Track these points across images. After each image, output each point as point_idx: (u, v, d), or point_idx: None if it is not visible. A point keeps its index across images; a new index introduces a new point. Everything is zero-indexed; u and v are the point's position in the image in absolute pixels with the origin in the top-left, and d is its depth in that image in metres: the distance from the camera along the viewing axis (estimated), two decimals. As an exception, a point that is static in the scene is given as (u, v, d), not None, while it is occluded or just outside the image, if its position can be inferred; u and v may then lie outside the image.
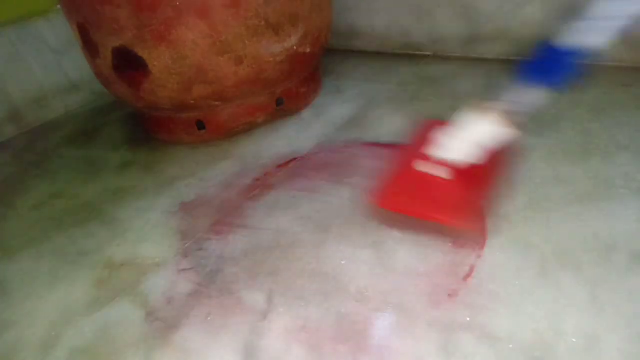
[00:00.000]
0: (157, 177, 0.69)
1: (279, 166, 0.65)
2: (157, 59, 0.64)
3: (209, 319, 0.43)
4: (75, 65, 0.99)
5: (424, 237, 0.48)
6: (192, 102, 0.70)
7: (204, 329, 0.42)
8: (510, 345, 0.36)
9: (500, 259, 0.44)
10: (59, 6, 0.91)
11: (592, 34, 0.43)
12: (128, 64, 0.67)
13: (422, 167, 0.49)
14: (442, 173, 0.48)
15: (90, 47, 0.69)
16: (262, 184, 0.62)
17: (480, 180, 0.50)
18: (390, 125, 0.71)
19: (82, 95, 1.03)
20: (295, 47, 0.71)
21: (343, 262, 0.47)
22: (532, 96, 0.46)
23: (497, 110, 0.46)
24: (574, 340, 0.36)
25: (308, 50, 0.75)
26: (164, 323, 0.44)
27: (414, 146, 0.53)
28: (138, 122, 0.88)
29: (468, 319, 0.39)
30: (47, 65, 0.96)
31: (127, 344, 0.42)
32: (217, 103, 0.72)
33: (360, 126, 0.72)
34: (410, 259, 0.46)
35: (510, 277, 0.42)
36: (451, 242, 0.47)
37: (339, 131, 0.72)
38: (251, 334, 0.41)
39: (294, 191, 0.59)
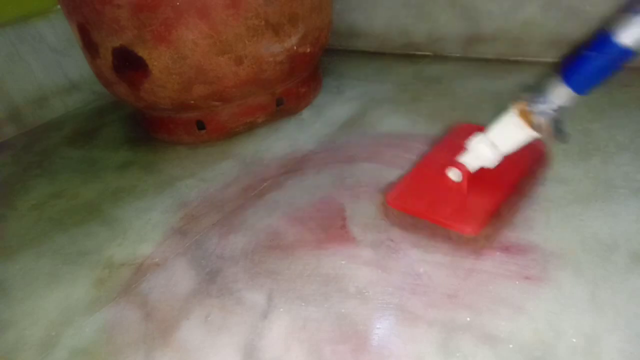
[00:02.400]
0: (157, 177, 0.69)
1: (283, 173, 0.65)
2: (157, 59, 0.64)
3: (209, 319, 0.43)
4: (75, 65, 1.00)
5: (427, 238, 0.48)
6: (192, 102, 0.70)
7: (204, 329, 0.42)
8: (510, 345, 0.36)
9: (500, 258, 0.44)
10: (58, 6, 0.91)
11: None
12: (128, 64, 0.67)
13: (438, 170, 0.48)
14: (457, 177, 0.48)
15: (90, 47, 0.69)
16: (262, 184, 0.62)
17: (498, 186, 0.48)
18: (390, 125, 0.71)
19: (82, 95, 1.04)
20: (295, 47, 0.71)
21: (343, 262, 0.47)
22: (565, 98, 0.42)
23: (530, 113, 0.42)
24: (574, 340, 0.36)
25: (308, 50, 0.75)
26: (164, 323, 0.44)
27: (438, 149, 0.54)
28: (138, 122, 0.88)
29: (468, 319, 0.39)
30: (47, 65, 0.96)
31: (127, 344, 0.42)
32: (217, 103, 0.72)
33: (360, 126, 0.72)
34: (410, 259, 0.46)
35: (511, 277, 0.42)
36: (451, 243, 0.47)
37: (339, 131, 0.72)
38: (251, 334, 0.41)
39: (294, 191, 0.59)
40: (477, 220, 0.46)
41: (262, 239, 0.52)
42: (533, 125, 0.42)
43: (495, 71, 0.83)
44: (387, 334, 0.39)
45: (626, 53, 0.39)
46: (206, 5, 0.61)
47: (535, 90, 0.43)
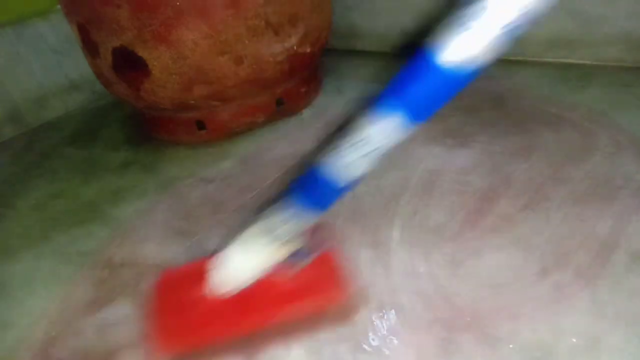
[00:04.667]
0: (157, 177, 0.69)
1: (283, 173, 0.65)
2: (157, 59, 0.64)
3: (209, 319, 0.43)
4: (75, 65, 0.99)
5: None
6: (192, 102, 0.70)
7: (204, 329, 0.42)
8: (510, 346, 0.36)
9: (500, 258, 0.44)
10: (58, 6, 0.91)
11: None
12: (128, 64, 0.67)
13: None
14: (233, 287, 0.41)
15: (90, 47, 0.69)
16: (262, 184, 0.62)
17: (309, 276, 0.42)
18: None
19: (82, 95, 1.03)
20: (295, 47, 0.71)
21: (343, 262, 0.47)
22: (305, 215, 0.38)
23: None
24: (574, 340, 0.36)
25: (308, 50, 0.75)
26: (164, 323, 0.44)
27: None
28: (138, 122, 0.88)
29: (468, 319, 0.39)
30: (47, 65, 0.96)
31: (127, 344, 0.42)
32: (217, 103, 0.72)
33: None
34: (410, 259, 0.46)
35: (510, 277, 0.42)
36: (452, 243, 0.47)
37: (339, 131, 0.72)
38: (252, 336, 0.41)
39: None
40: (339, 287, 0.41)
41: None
42: (280, 244, 0.39)
43: (495, 71, 0.83)
44: (387, 334, 0.39)
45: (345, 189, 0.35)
46: (206, 5, 0.61)
47: (272, 211, 0.40)
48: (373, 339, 0.38)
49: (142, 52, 0.64)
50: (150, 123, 0.81)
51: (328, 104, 0.82)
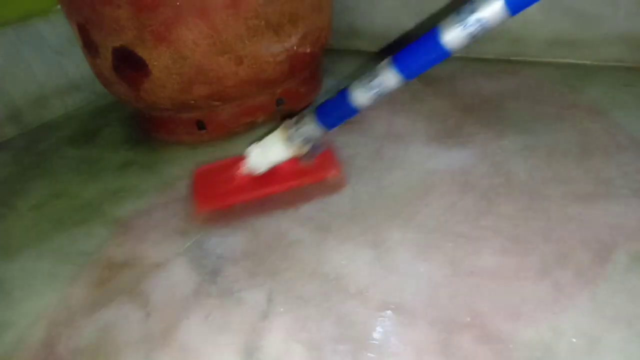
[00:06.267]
0: (157, 177, 0.69)
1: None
2: (157, 59, 0.64)
3: (209, 319, 0.43)
4: (75, 65, 0.99)
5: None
6: (192, 102, 0.70)
7: (204, 329, 0.42)
8: (510, 346, 0.36)
9: (500, 258, 0.44)
10: (59, 6, 0.91)
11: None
12: (128, 64, 0.67)
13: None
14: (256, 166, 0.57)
15: (90, 47, 0.69)
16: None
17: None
18: (390, 125, 0.71)
19: (82, 95, 1.03)
20: (295, 47, 0.71)
21: (343, 262, 0.47)
22: (316, 131, 0.53)
23: (290, 133, 0.54)
24: (574, 340, 0.36)
25: (308, 50, 0.75)
26: (164, 323, 0.44)
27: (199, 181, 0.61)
28: (138, 122, 0.88)
29: (468, 319, 0.39)
30: (47, 65, 0.96)
31: (127, 344, 0.42)
32: (217, 103, 0.72)
33: (361, 126, 0.72)
34: (410, 259, 0.46)
35: (511, 277, 0.42)
36: (452, 243, 0.47)
37: (339, 131, 0.72)
38: (251, 334, 0.41)
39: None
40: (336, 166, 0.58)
41: (262, 239, 0.52)
42: (293, 147, 0.54)
43: (495, 71, 0.83)
44: (387, 334, 0.39)
45: (356, 111, 0.51)
46: (206, 5, 0.61)
47: (297, 121, 0.54)
48: (373, 339, 0.38)
49: (142, 52, 0.64)
50: (150, 123, 0.81)
51: (328, 104, 0.82)
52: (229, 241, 0.53)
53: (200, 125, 0.75)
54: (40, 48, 0.94)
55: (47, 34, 0.95)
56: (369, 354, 0.37)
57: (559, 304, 0.39)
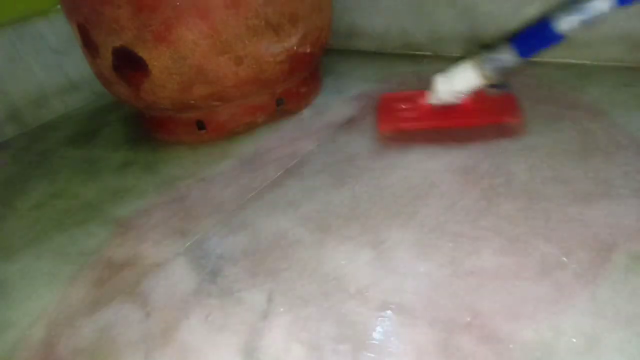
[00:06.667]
0: (157, 177, 0.69)
1: (283, 173, 0.65)
2: (157, 59, 0.64)
3: (209, 319, 0.43)
4: (75, 65, 0.99)
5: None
6: (192, 102, 0.70)
7: (204, 329, 0.42)
8: (510, 346, 0.36)
9: (500, 258, 0.44)
10: (59, 6, 0.91)
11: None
12: (128, 64, 0.67)
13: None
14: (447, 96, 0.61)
15: (90, 47, 0.69)
16: (262, 184, 0.62)
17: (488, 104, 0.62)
18: (390, 125, 0.71)
19: (82, 95, 1.03)
20: (295, 47, 0.71)
21: (343, 262, 0.47)
22: (509, 59, 0.56)
23: (481, 65, 0.57)
24: (574, 340, 0.36)
25: (308, 50, 0.75)
26: (164, 323, 0.44)
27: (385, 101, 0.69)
28: (138, 122, 0.88)
29: (468, 319, 0.39)
30: (47, 65, 0.96)
31: (127, 344, 0.42)
32: (217, 103, 0.72)
33: (361, 126, 0.72)
34: (410, 259, 0.46)
35: (510, 277, 0.42)
36: (452, 243, 0.47)
37: (339, 131, 0.72)
38: (251, 334, 0.41)
39: (294, 191, 0.59)
40: (516, 113, 0.60)
41: (262, 239, 0.52)
42: (482, 74, 0.57)
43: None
44: (387, 334, 0.39)
45: (559, 37, 0.53)
46: (206, 5, 0.61)
47: (489, 49, 0.57)
48: (373, 339, 0.38)
49: (142, 52, 0.64)
50: (150, 123, 0.81)
51: (328, 104, 0.82)
52: (229, 241, 0.53)
53: (200, 125, 0.75)
54: (40, 48, 0.94)
55: (47, 34, 0.95)
56: (369, 354, 0.37)
57: (559, 304, 0.39)
